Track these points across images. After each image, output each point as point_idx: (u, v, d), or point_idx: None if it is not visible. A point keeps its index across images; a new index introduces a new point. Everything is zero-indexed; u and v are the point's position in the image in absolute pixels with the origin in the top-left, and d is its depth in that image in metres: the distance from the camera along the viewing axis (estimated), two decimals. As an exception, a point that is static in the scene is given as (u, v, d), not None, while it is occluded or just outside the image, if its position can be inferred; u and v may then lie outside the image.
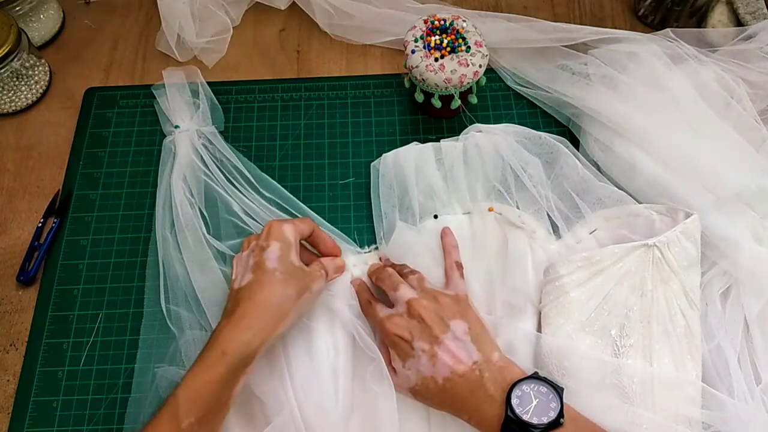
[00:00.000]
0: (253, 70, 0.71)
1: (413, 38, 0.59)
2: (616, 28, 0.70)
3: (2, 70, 0.63)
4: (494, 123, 0.63)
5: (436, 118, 0.66)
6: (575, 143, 0.63)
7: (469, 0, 0.75)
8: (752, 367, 0.50)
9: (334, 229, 0.59)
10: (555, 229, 0.57)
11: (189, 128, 0.63)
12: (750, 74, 0.61)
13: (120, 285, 0.58)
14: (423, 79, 0.59)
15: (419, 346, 0.46)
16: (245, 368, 0.45)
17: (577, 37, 0.67)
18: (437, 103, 0.60)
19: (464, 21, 0.60)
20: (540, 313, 0.53)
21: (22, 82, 0.67)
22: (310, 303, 0.50)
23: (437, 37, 0.59)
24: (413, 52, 0.59)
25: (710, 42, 0.66)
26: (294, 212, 0.60)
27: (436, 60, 0.58)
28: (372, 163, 0.62)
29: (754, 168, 0.56)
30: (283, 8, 0.74)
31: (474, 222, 0.58)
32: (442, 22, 0.60)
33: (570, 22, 0.70)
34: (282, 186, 0.61)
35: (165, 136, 0.65)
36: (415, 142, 0.62)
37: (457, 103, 0.60)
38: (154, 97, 0.67)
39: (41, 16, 0.71)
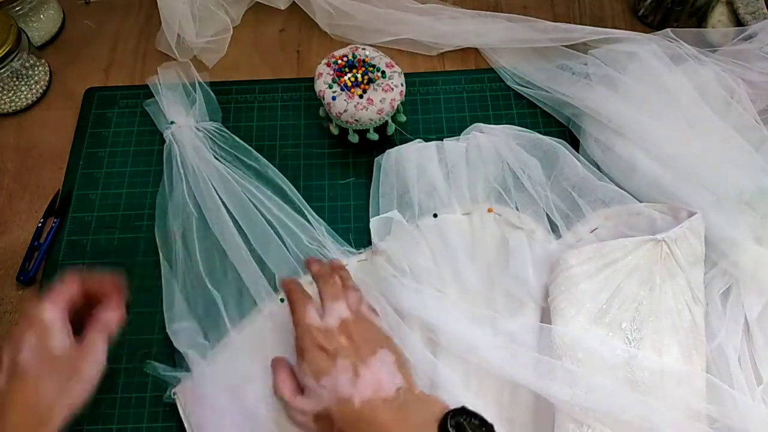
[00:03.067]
0: (253, 70, 0.71)
1: (326, 85, 0.57)
2: (616, 28, 0.70)
3: (2, 70, 0.63)
4: (494, 123, 0.63)
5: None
6: (575, 143, 0.63)
7: (469, 0, 0.75)
8: (753, 368, 0.51)
9: (331, 229, 0.59)
10: (555, 229, 0.57)
11: (185, 124, 0.64)
12: (750, 74, 0.61)
13: (120, 285, 0.58)
14: (356, 120, 0.57)
15: (342, 364, 0.43)
16: None
17: (577, 37, 0.67)
18: (354, 137, 0.59)
19: (363, 49, 0.59)
20: (542, 309, 0.53)
21: (22, 82, 0.67)
22: (87, 388, 0.44)
23: (349, 74, 0.58)
24: (334, 98, 0.57)
25: (710, 42, 0.66)
26: (298, 204, 0.60)
27: (361, 96, 0.57)
28: (375, 159, 0.62)
29: (754, 168, 0.56)
30: (283, 8, 0.74)
31: (473, 222, 0.58)
32: (345, 59, 0.59)
33: (570, 22, 0.69)
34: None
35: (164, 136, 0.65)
36: (419, 140, 0.63)
37: (392, 128, 0.60)
38: (152, 95, 0.67)
39: (41, 16, 0.71)
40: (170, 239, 0.58)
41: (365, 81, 0.58)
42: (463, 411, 0.41)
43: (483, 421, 0.40)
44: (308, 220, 0.59)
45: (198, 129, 0.63)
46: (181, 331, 0.54)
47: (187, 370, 0.52)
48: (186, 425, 0.50)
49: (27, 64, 0.66)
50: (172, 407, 0.52)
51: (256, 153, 0.63)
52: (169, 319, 0.55)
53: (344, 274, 0.53)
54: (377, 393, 0.42)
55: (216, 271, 0.57)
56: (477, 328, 0.51)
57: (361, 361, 0.43)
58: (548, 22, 0.69)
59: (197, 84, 0.66)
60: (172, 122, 0.64)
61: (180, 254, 0.57)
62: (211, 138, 0.63)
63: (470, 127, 0.63)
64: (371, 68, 0.58)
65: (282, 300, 0.55)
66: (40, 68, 0.68)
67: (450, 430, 0.39)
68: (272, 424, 0.50)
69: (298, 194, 0.61)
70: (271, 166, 0.62)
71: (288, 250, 0.57)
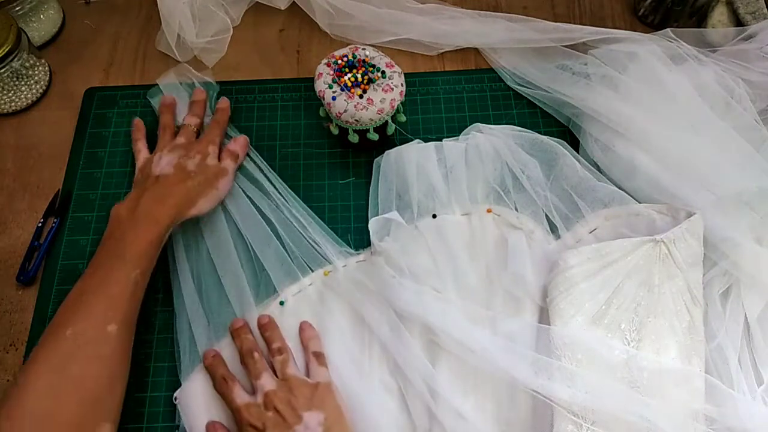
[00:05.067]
0: (253, 70, 0.71)
1: (326, 85, 0.57)
2: (616, 28, 0.70)
3: (2, 70, 0.63)
4: (494, 123, 0.63)
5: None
6: (575, 143, 0.63)
7: (469, 0, 0.75)
8: (753, 368, 0.51)
9: (329, 230, 0.59)
10: (554, 230, 0.57)
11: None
12: (750, 74, 0.61)
13: (120, 285, 0.58)
14: (356, 120, 0.57)
15: None
16: (168, 233, 0.54)
17: (577, 37, 0.67)
18: (354, 137, 0.59)
19: (363, 49, 0.59)
20: (540, 309, 0.53)
21: (22, 82, 0.67)
22: (217, 198, 0.58)
23: (349, 75, 0.58)
24: (334, 98, 0.57)
25: (710, 42, 0.66)
26: (297, 204, 0.60)
27: (361, 96, 0.57)
28: (375, 159, 0.62)
29: (754, 168, 0.56)
30: (283, 8, 0.74)
31: (472, 223, 0.58)
32: (345, 59, 0.58)
33: (570, 22, 0.69)
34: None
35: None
36: (418, 140, 0.63)
37: (392, 128, 0.60)
38: (153, 97, 0.67)
39: (41, 16, 0.71)
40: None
41: (365, 81, 0.58)
42: None
43: None
44: (307, 221, 0.59)
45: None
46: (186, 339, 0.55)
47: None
48: (187, 429, 0.51)
49: (27, 64, 0.66)
50: (172, 407, 0.52)
51: (254, 151, 0.63)
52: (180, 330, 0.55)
53: (270, 335, 0.53)
54: None
55: (214, 274, 0.57)
56: (476, 329, 0.51)
57: (288, 430, 0.46)
58: (548, 22, 0.69)
59: (195, 83, 0.67)
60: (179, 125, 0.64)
61: (181, 260, 0.57)
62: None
63: (470, 127, 0.63)
64: (371, 68, 0.58)
65: (282, 303, 0.55)
66: (40, 68, 0.68)
67: None
68: None
69: (298, 194, 0.61)
70: (268, 166, 0.63)
71: (287, 250, 0.57)
